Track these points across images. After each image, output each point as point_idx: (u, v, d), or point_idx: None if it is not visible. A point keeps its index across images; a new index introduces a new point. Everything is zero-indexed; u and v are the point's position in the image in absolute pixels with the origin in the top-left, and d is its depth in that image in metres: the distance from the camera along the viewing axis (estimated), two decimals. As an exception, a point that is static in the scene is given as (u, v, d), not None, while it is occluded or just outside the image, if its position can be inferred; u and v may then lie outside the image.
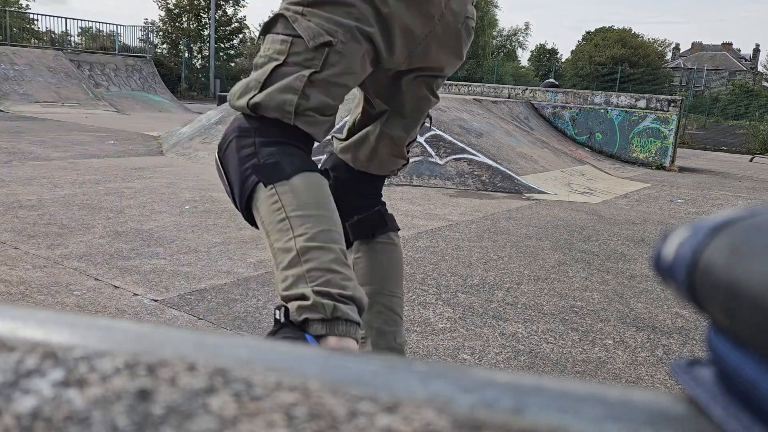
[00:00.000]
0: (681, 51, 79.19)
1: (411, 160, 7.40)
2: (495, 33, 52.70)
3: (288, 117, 1.29)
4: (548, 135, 11.36)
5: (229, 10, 31.01)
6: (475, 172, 7.63)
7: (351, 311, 1.17)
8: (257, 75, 1.33)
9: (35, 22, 27.37)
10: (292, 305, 1.18)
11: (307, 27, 1.29)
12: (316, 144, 1.40)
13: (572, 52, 57.62)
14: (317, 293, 1.16)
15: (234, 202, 1.36)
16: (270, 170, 1.25)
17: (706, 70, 64.92)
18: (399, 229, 1.77)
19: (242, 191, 1.28)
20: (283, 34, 1.32)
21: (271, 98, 1.29)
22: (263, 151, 1.27)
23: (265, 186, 1.24)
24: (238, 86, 1.38)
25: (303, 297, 1.16)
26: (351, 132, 1.66)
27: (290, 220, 1.21)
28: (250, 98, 1.31)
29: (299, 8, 1.32)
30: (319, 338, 1.15)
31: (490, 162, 7.79)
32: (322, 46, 1.28)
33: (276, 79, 1.30)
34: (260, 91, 1.30)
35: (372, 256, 1.65)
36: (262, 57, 1.35)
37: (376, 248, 1.65)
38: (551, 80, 14.65)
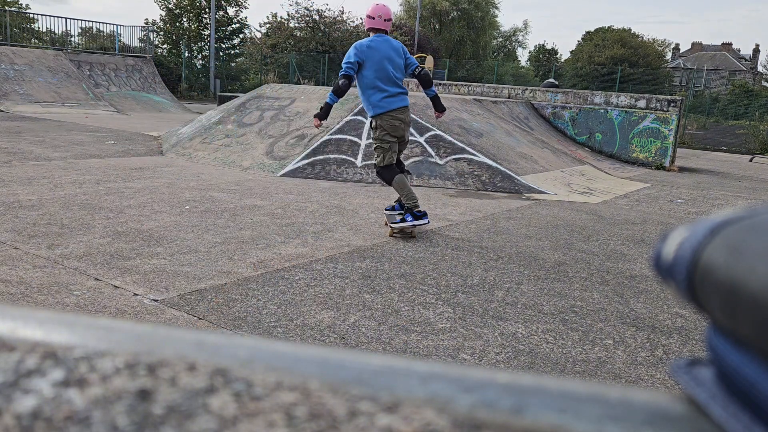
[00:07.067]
0: (681, 51, 79.16)
1: (411, 160, 7.61)
2: (495, 33, 52.74)
3: None
4: (548, 135, 11.36)
5: (231, 11, 30.95)
6: (475, 172, 7.63)
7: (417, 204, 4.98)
8: None
9: (35, 22, 27.40)
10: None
11: None
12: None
13: (572, 52, 57.60)
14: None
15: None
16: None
17: (706, 70, 64.90)
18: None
19: None
20: None
21: None
22: None
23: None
24: None
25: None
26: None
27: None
28: None
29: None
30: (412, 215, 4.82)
31: (490, 162, 7.79)
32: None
33: None
34: None
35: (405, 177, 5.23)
36: None
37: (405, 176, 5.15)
38: (551, 80, 14.64)
